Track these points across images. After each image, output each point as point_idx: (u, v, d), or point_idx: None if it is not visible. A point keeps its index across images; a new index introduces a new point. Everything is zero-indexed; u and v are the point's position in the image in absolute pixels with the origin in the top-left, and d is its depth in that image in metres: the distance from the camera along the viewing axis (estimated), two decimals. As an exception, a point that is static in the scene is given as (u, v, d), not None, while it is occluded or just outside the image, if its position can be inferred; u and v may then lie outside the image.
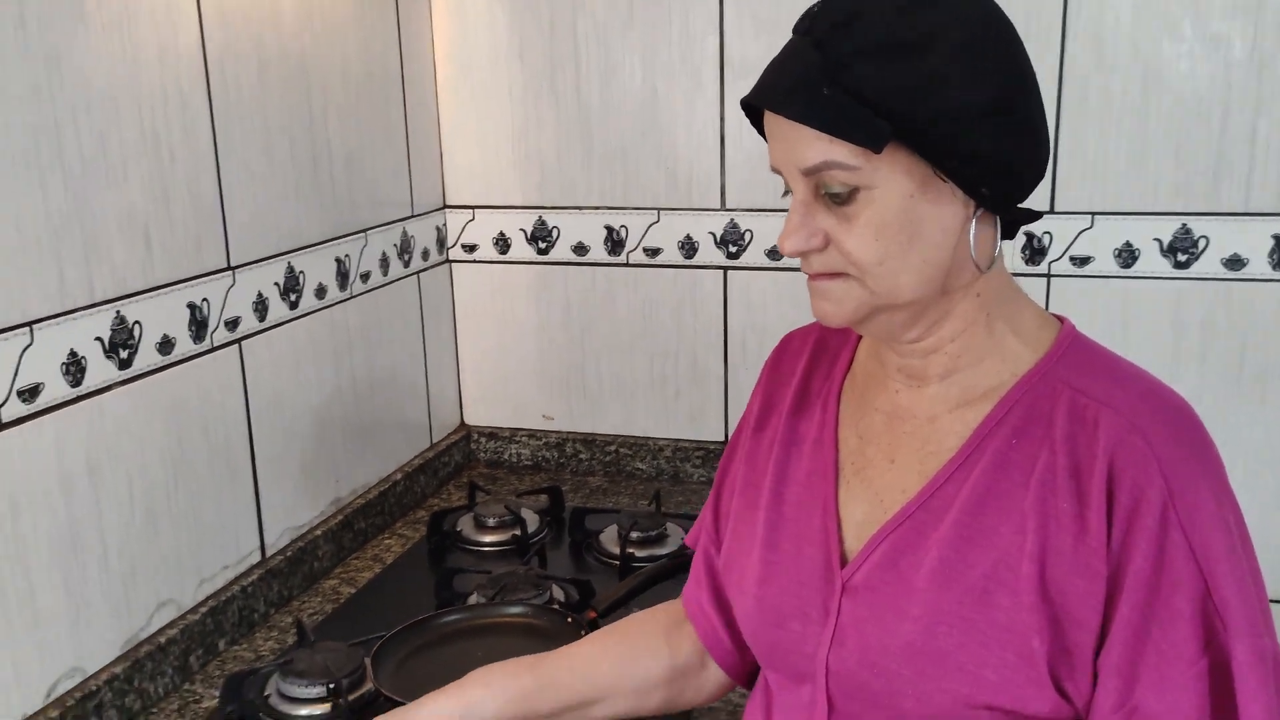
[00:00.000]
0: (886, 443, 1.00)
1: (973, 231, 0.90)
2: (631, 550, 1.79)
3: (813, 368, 1.10)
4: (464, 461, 2.28)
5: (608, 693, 1.15)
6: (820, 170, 0.88)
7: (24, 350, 1.25)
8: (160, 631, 1.46)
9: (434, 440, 2.20)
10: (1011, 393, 0.94)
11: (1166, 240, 1.83)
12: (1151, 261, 1.85)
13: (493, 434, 2.28)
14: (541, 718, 1.14)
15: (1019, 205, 0.94)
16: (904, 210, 0.88)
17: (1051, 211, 1.87)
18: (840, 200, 0.88)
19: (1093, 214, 1.86)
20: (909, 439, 0.99)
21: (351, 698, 1.39)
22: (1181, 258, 1.83)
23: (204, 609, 1.53)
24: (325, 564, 1.81)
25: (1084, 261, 1.88)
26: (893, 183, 0.87)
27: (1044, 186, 1.86)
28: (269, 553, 1.69)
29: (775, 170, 0.93)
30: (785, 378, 1.11)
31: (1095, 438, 0.88)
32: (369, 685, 1.41)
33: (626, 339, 2.16)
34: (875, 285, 0.91)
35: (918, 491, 0.95)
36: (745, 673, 1.17)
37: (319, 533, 1.79)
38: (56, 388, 1.30)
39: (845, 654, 0.96)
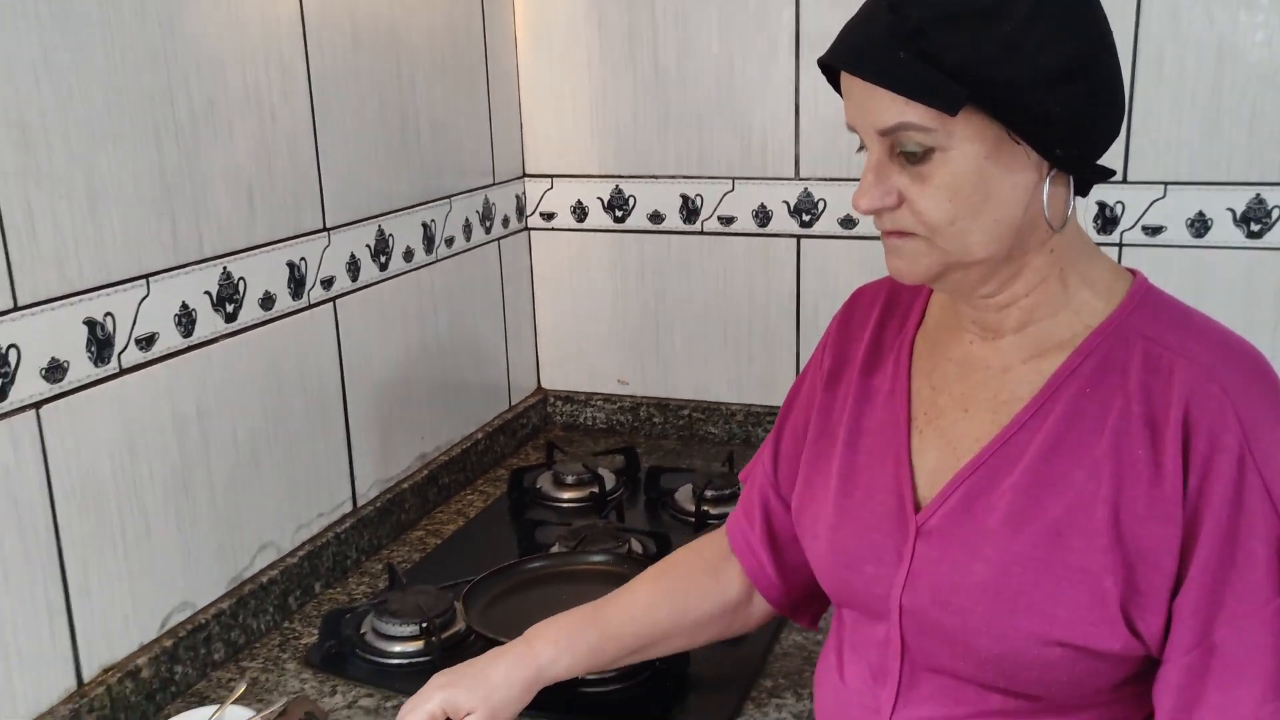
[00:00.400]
0: (959, 392, 1.03)
1: (1046, 191, 0.92)
2: (706, 508, 1.85)
3: (885, 321, 1.12)
4: (541, 424, 2.34)
5: (665, 636, 1.22)
6: (895, 131, 0.90)
7: (141, 301, 1.33)
8: (262, 572, 1.54)
9: (512, 403, 2.27)
10: (1086, 343, 0.96)
11: (1240, 210, 1.85)
12: (1224, 231, 1.86)
13: (569, 398, 2.34)
14: (603, 665, 1.22)
15: (1093, 163, 0.96)
16: (977, 172, 0.90)
17: (1125, 181, 1.89)
18: (915, 159, 0.91)
19: (1165, 184, 1.88)
20: (982, 388, 1.02)
21: (444, 635, 1.46)
22: (1255, 228, 1.84)
23: (301, 553, 1.61)
24: (412, 516, 1.88)
25: (1156, 231, 1.90)
26: (967, 145, 0.89)
27: (1117, 156, 1.88)
28: (360, 503, 1.77)
29: (851, 128, 0.95)
30: (856, 333, 1.14)
31: (1170, 386, 0.91)
32: (460, 625, 1.48)
33: (700, 306, 2.20)
34: (946, 245, 0.93)
35: (992, 439, 0.99)
36: (790, 604, 1.22)
37: (406, 486, 1.87)
38: (170, 338, 1.38)
39: (918, 594, 1.00)
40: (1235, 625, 0.88)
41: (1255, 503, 0.88)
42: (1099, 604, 0.91)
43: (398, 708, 1.34)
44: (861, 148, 0.95)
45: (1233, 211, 1.85)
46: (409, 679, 1.40)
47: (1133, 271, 1.01)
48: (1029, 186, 0.92)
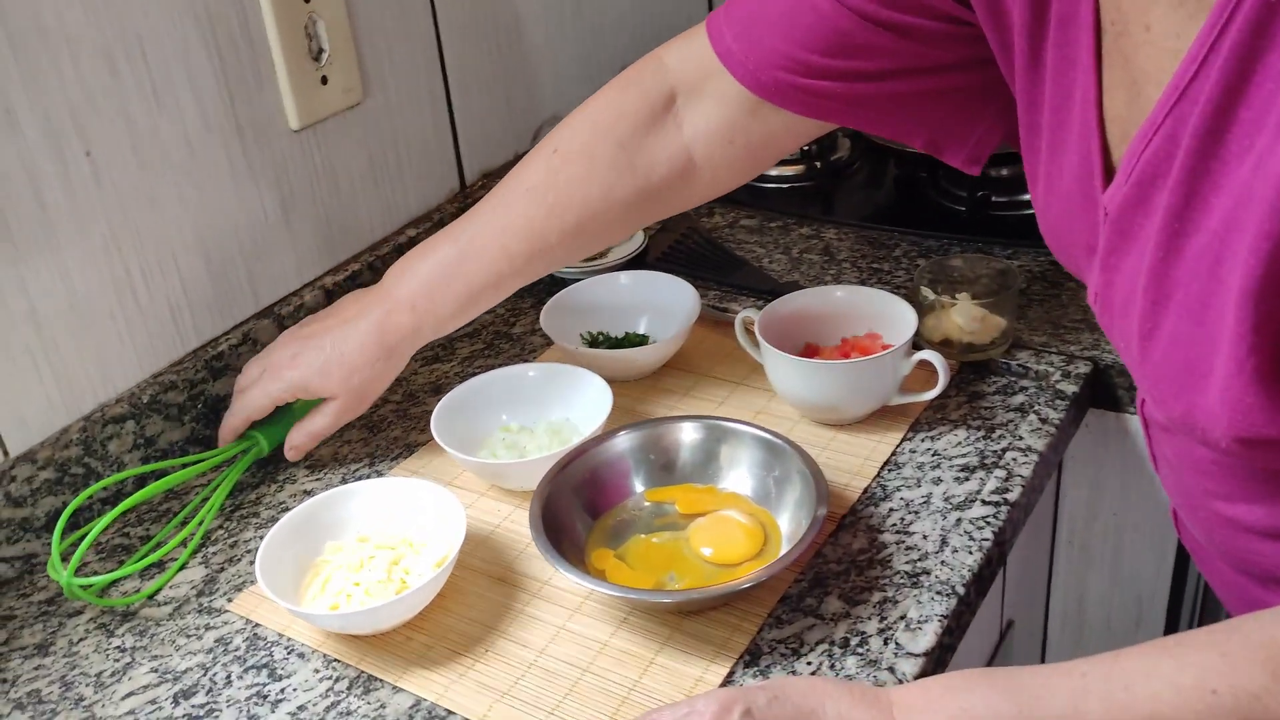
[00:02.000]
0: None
1: None
2: None
3: None
4: None
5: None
6: None
7: None
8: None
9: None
10: None
11: None
12: None
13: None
14: (486, 308, 0.95)
15: None
16: None
17: None
18: None
19: None
20: None
21: (829, 159, 1.35)
22: None
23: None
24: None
25: None
26: None
27: None
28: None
29: None
30: None
31: None
32: (842, 152, 1.36)
33: None
34: None
35: (1171, 79, 0.62)
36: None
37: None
38: None
39: (1109, 295, 0.71)
40: None
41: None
42: (1250, 387, 0.59)
43: (782, 228, 1.26)
44: None
45: None
46: (788, 202, 1.32)
47: None
48: None
